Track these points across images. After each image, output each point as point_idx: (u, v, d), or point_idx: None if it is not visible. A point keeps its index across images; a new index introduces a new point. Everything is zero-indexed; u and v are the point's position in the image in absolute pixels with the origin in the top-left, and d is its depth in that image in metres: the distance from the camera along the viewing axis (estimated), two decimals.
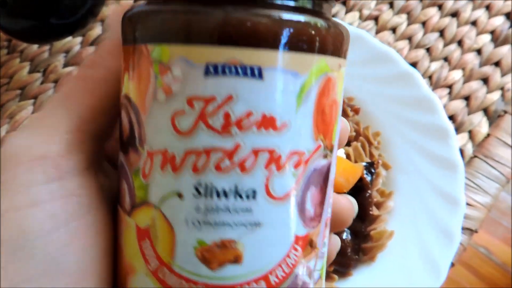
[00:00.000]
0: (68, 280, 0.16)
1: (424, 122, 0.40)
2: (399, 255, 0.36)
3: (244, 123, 0.15)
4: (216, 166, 0.15)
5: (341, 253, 0.37)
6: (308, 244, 0.17)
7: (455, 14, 0.50)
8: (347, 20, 0.50)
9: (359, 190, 0.37)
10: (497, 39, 0.48)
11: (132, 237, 0.17)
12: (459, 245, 0.36)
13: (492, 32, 0.49)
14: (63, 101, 0.19)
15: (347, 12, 0.51)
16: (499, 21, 0.49)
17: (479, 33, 0.49)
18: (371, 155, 0.40)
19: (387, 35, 0.49)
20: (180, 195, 0.16)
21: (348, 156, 0.40)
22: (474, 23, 0.49)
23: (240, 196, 0.15)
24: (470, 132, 0.44)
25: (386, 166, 0.40)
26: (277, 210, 0.16)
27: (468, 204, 0.40)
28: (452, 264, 0.37)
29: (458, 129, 0.44)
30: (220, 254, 0.16)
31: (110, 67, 0.19)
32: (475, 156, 0.43)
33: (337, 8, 0.51)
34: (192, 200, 0.16)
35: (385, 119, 0.42)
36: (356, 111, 0.42)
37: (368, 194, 0.37)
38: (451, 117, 0.45)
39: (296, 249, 0.17)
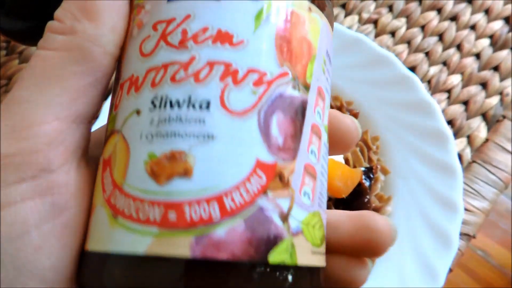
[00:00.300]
0: (42, 285, 0.15)
1: (423, 126, 0.40)
2: (397, 260, 0.36)
3: (200, 37, 0.16)
4: (172, 77, 0.16)
5: None
6: (277, 177, 0.16)
7: (454, 18, 0.50)
8: (346, 23, 0.50)
9: (357, 195, 0.37)
10: (496, 43, 0.48)
11: (99, 174, 0.17)
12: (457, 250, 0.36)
13: (491, 36, 0.49)
14: (40, 81, 0.16)
15: (346, 15, 0.51)
16: (498, 25, 0.49)
17: (478, 37, 0.49)
18: (370, 160, 0.40)
19: (386, 38, 0.49)
20: (138, 112, 0.16)
21: (346, 161, 0.40)
22: (473, 27, 0.49)
23: (193, 106, 0.15)
24: (468, 137, 0.44)
25: (384, 171, 0.40)
26: (233, 125, 0.15)
27: (466, 209, 0.40)
28: (450, 270, 0.37)
29: (456, 134, 0.44)
30: (168, 167, 0.15)
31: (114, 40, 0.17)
32: (474, 161, 0.43)
33: (337, 11, 0.51)
34: (148, 114, 0.16)
35: (384, 124, 0.42)
36: (355, 115, 0.42)
37: (366, 200, 0.37)
38: (450, 122, 0.45)
39: (259, 176, 0.15)
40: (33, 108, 0.16)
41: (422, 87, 0.41)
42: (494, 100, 0.46)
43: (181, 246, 0.14)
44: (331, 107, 0.43)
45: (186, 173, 0.15)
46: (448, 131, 0.39)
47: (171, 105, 0.15)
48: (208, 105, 0.15)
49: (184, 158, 0.15)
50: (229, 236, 0.14)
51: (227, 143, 0.15)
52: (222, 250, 0.14)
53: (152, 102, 0.16)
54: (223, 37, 0.16)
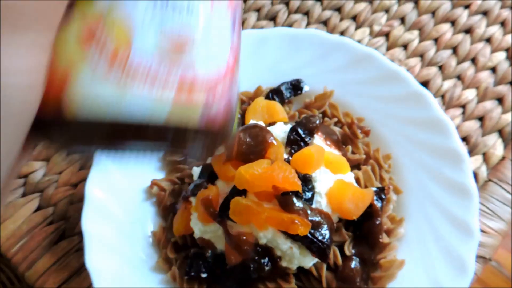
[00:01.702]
0: None
1: (436, 145, 0.39)
2: (410, 286, 0.35)
3: None
4: None
5: (350, 282, 0.35)
6: None
7: (468, 31, 0.48)
8: (357, 37, 0.49)
9: (368, 217, 0.36)
10: None
11: None
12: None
13: (507, 50, 0.47)
14: None
15: (357, 28, 0.49)
16: None
17: (493, 50, 0.47)
18: (382, 179, 0.39)
19: (398, 51, 0.48)
20: None
21: (357, 181, 0.38)
22: (488, 40, 0.48)
23: None
24: (484, 154, 0.43)
25: (397, 191, 0.39)
26: None
27: (481, 230, 0.39)
28: None
29: (471, 152, 0.43)
30: None
31: None
32: (490, 180, 0.42)
33: (347, 24, 0.49)
34: None
35: (396, 141, 0.40)
36: (366, 133, 0.40)
37: (378, 221, 0.36)
38: (465, 139, 0.43)
39: None
40: None
41: (436, 104, 0.39)
42: (511, 116, 0.44)
43: None
44: (341, 123, 0.42)
45: None
46: (463, 150, 0.37)
47: None
48: None
49: None
50: None
51: None
52: None
53: None
54: None
